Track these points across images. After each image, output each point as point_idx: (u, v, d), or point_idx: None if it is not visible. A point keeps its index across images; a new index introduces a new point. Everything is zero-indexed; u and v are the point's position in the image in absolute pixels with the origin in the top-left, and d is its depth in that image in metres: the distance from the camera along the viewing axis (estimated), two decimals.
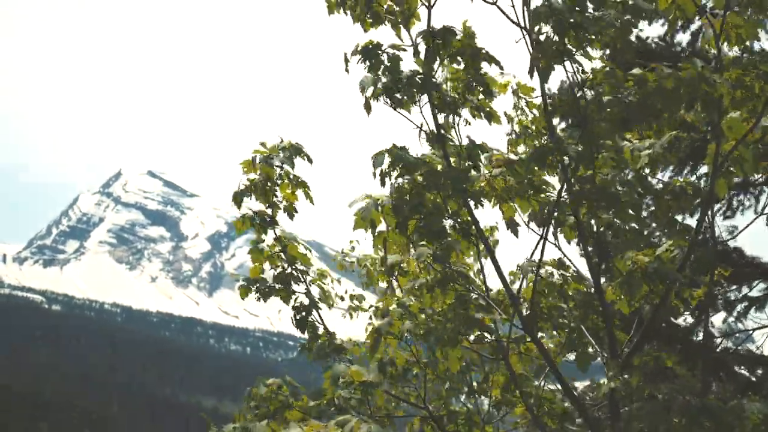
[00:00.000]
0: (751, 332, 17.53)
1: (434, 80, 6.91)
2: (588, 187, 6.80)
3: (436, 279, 7.27)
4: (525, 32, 6.56)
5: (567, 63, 6.50)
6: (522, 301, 7.45)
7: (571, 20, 6.25)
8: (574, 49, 6.40)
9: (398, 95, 6.77)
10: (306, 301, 8.11)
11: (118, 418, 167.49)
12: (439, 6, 6.98)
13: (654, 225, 7.49)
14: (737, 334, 17.78)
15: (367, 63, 6.82)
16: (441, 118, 7.04)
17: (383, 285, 9.48)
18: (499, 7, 6.72)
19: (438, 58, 6.94)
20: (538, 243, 7.10)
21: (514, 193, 7.05)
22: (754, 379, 17.60)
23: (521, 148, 7.55)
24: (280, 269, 8.12)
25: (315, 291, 8.25)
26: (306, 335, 8.04)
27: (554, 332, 7.67)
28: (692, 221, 7.51)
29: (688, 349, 16.56)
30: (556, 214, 6.97)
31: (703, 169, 16.60)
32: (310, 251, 8.31)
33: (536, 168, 6.89)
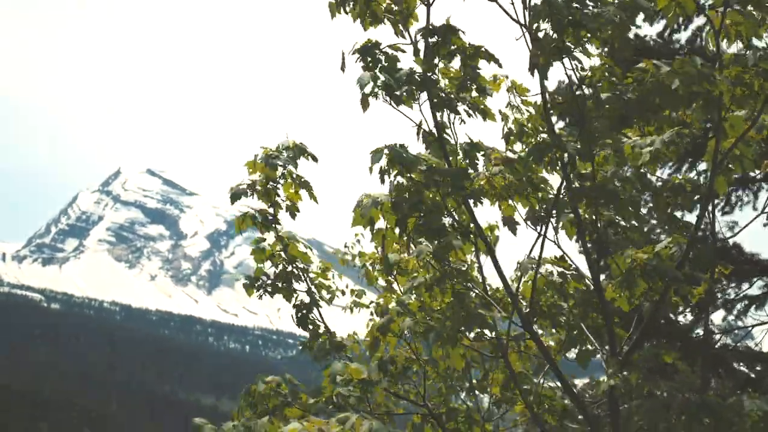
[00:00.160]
0: (750, 329, 17.54)
1: (433, 78, 6.91)
2: (588, 185, 6.80)
3: (435, 277, 7.27)
4: (525, 29, 6.56)
5: (566, 60, 6.51)
6: (521, 298, 7.46)
7: (570, 17, 6.26)
8: (572, 47, 6.40)
9: (397, 93, 6.77)
10: (307, 300, 8.12)
11: (118, 416, 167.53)
12: (439, 5, 6.99)
13: (654, 222, 7.50)
14: (736, 331, 17.80)
15: (365, 62, 6.82)
16: (440, 116, 7.04)
17: (382, 283, 9.49)
18: (499, 4, 6.72)
19: (437, 56, 6.95)
20: (536, 241, 7.11)
21: (513, 191, 7.05)
22: (753, 375, 17.62)
23: (518, 146, 7.55)
24: (281, 268, 8.14)
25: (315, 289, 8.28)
26: (307, 333, 8.05)
27: (553, 330, 7.68)
28: (692, 218, 7.51)
29: (688, 346, 16.57)
30: (554, 211, 6.97)
31: (702, 166, 16.61)
32: (311, 249, 8.32)
33: (535, 165, 6.89)
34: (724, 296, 17.74)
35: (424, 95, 6.91)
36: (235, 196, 7.87)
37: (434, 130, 7.05)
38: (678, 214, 7.33)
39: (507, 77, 7.36)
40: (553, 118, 6.98)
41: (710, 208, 7.36)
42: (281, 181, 7.92)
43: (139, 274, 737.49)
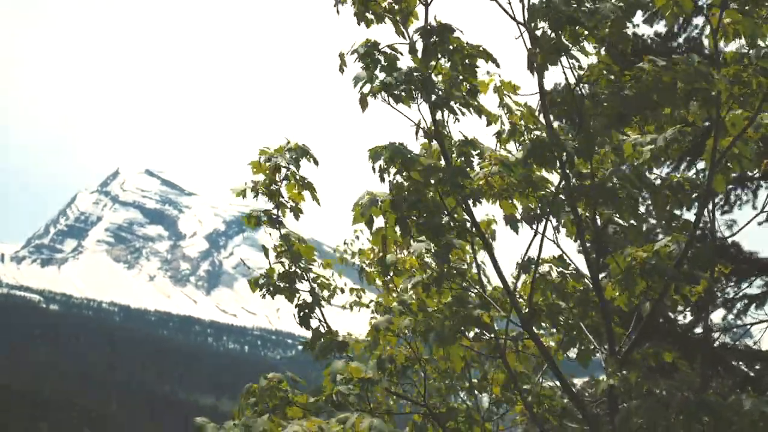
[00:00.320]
0: (749, 327, 17.56)
1: (432, 77, 6.92)
2: (587, 183, 6.80)
3: (432, 277, 7.28)
4: (524, 28, 6.57)
5: (564, 59, 6.51)
6: (519, 297, 7.46)
7: (567, 14, 6.25)
8: (570, 45, 6.41)
9: (396, 92, 6.78)
10: (309, 299, 8.14)
11: (117, 416, 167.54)
12: (439, 5, 7.00)
13: (653, 221, 7.50)
14: (735, 329, 17.82)
15: (364, 62, 6.82)
16: (438, 115, 7.05)
17: (380, 283, 9.51)
18: (498, 3, 6.72)
19: (435, 56, 6.95)
20: (532, 240, 7.10)
21: (512, 190, 7.05)
22: (752, 374, 17.63)
23: (511, 145, 7.54)
24: (284, 268, 8.17)
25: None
26: (309, 332, 8.07)
27: (553, 330, 7.68)
28: (690, 217, 7.51)
29: (687, 345, 16.58)
30: (550, 209, 6.96)
31: (701, 165, 16.62)
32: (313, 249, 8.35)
33: (533, 165, 6.89)
34: (723, 295, 17.76)
35: (422, 94, 6.91)
36: (242, 196, 7.93)
37: (432, 129, 7.05)
38: (677, 212, 7.32)
39: (498, 75, 7.36)
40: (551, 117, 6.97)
41: (709, 206, 7.36)
42: (284, 182, 7.96)
43: (137, 275, 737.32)
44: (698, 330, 17.50)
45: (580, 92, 6.72)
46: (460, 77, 6.98)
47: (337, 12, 7.13)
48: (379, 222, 7.15)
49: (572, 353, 7.54)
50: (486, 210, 8.90)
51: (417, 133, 7.05)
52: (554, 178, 7.11)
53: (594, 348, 7.33)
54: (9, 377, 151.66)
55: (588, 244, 7.12)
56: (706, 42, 17.14)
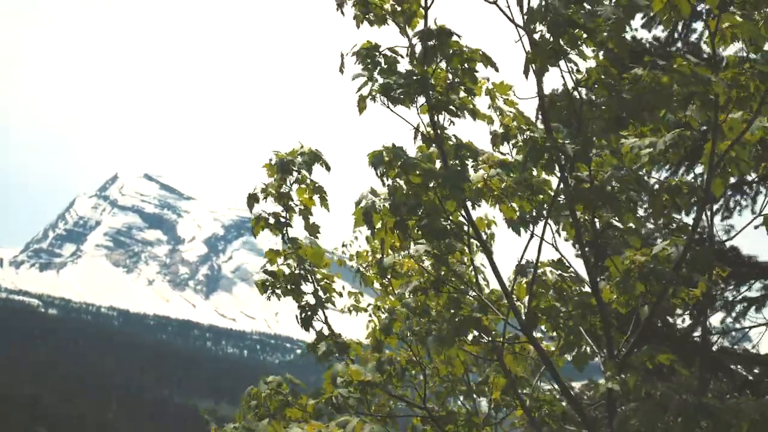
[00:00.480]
0: (747, 330, 17.57)
1: (431, 81, 6.92)
2: (585, 186, 6.81)
3: (430, 281, 7.29)
4: (523, 31, 6.57)
5: (562, 63, 6.52)
6: (516, 299, 7.47)
7: (566, 17, 6.25)
8: (568, 49, 6.41)
9: (395, 95, 6.78)
10: (312, 301, 8.17)
11: (116, 420, 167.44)
12: (439, 7, 7.01)
13: (651, 225, 7.51)
14: (733, 333, 17.82)
15: (364, 63, 6.83)
16: (437, 118, 7.05)
17: (377, 286, 9.51)
18: (498, 6, 6.73)
19: (435, 59, 6.96)
20: (528, 242, 7.09)
21: (511, 193, 7.06)
22: (751, 378, 17.63)
23: (505, 148, 7.54)
24: (290, 271, 8.22)
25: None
26: (308, 334, 8.09)
27: (552, 333, 7.68)
28: (689, 221, 7.52)
29: (686, 348, 16.58)
30: (547, 213, 6.97)
31: (699, 169, 16.64)
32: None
33: (532, 168, 6.89)
34: (722, 298, 17.77)
35: (420, 98, 6.92)
36: (251, 198, 7.94)
37: (432, 133, 7.06)
38: (675, 216, 7.32)
39: (488, 79, 7.37)
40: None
41: (708, 211, 7.37)
42: (295, 186, 8.00)
43: (136, 279, 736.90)
44: (697, 333, 17.50)
45: (578, 96, 6.72)
46: (456, 80, 7.00)
47: (342, 14, 7.13)
48: (379, 223, 7.17)
49: (570, 357, 7.54)
50: (485, 213, 8.91)
51: (416, 136, 7.05)
52: (553, 180, 7.12)
53: (592, 351, 7.33)
54: (8, 381, 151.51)
55: (586, 248, 7.12)
56: (705, 47, 17.18)
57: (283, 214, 8.08)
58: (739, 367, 17.75)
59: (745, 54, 6.64)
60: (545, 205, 7.02)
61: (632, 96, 6.47)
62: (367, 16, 7.11)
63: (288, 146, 8.03)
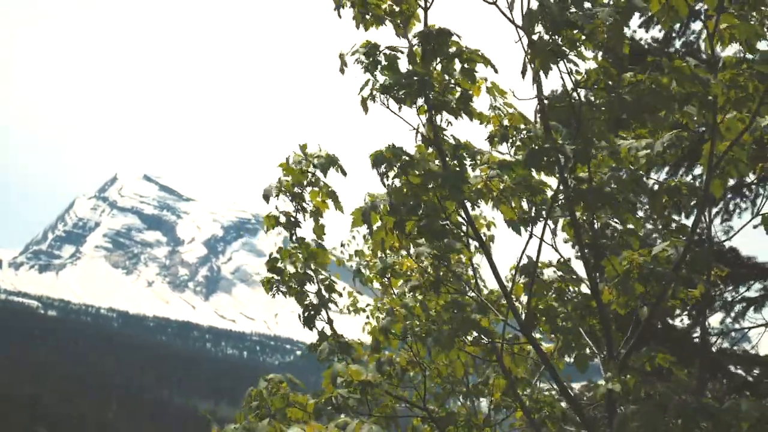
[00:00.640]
0: (746, 331, 17.58)
1: (431, 81, 6.93)
2: (585, 187, 6.81)
3: (429, 281, 7.29)
4: (522, 32, 6.57)
5: (561, 65, 6.52)
6: (515, 300, 7.47)
7: (565, 19, 6.26)
8: (567, 50, 6.41)
9: (396, 95, 6.79)
10: (316, 301, 8.19)
11: (116, 422, 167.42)
12: (437, 8, 7.01)
13: (650, 226, 7.51)
14: (733, 334, 17.83)
15: (364, 63, 6.84)
16: (436, 118, 7.06)
17: (378, 285, 9.53)
18: (498, 7, 6.73)
19: (434, 60, 6.96)
20: (527, 243, 7.10)
21: (510, 194, 7.06)
22: (750, 379, 17.63)
23: (503, 147, 7.55)
24: (295, 270, 8.25)
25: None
26: (308, 336, 8.10)
27: (551, 334, 7.68)
28: (688, 222, 7.52)
29: (685, 349, 16.58)
30: (546, 213, 6.97)
31: (698, 170, 16.65)
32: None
33: (532, 169, 6.90)
34: (722, 299, 17.78)
35: (420, 99, 6.92)
36: (266, 195, 8.00)
37: (431, 133, 7.06)
38: (674, 218, 7.33)
39: (486, 79, 7.37)
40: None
41: (706, 212, 7.37)
42: (308, 188, 8.04)
43: (136, 281, 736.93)
44: (696, 334, 17.51)
45: (577, 97, 6.73)
46: (453, 81, 7.01)
47: (339, 15, 7.14)
48: (378, 223, 7.18)
49: (570, 358, 7.54)
50: (482, 214, 8.92)
51: (416, 137, 7.06)
52: (552, 181, 7.12)
53: (592, 352, 7.33)
54: (7, 382, 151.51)
55: (586, 249, 7.12)
56: (702, 45, 17.18)
57: (294, 213, 8.12)
58: (738, 368, 17.76)
59: (742, 54, 6.64)
60: (545, 206, 7.03)
61: (633, 98, 6.47)
62: (365, 17, 7.11)
63: (293, 146, 8.05)
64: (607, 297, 7.15)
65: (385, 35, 7.12)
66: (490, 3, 6.78)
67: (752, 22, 6.50)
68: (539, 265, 7.28)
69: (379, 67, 6.85)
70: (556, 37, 6.36)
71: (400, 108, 6.86)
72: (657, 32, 18.20)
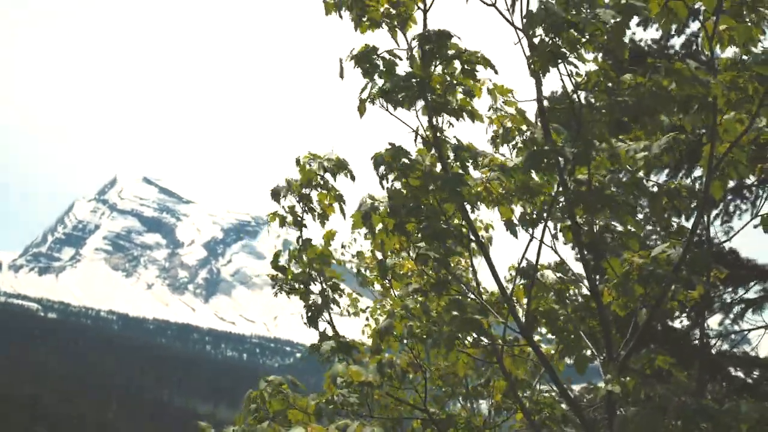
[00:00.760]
0: (746, 333, 17.57)
1: (430, 83, 6.93)
2: (584, 189, 6.81)
3: (431, 283, 7.29)
4: (522, 34, 6.57)
5: (561, 67, 6.52)
6: (515, 301, 7.47)
7: (565, 22, 6.26)
8: (568, 52, 6.41)
9: (395, 98, 6.79)
10: (319, 301, 8.22)
11: (116, 423, 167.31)
12: (436, 9, 7.01)
13: (650, 228, 7.51)
14: (733, 336, 17.83)
15: (363, 67, 6.84)
16: (436, 120, 7.06)
17: (378, 287, 9.54)
18: (497, 8, 6.73)
19: (433, 62, 6.96)
20: (528, 245, 7.10)
21: (510, 196, 7.07)
22: (750, 381, 17.63)
23: (504, 149, 7.55)
24: (300, 270, 8.29)
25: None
26: (308, 338, 8.12)
27: (550, 337, 7.68)
28: (688, 224, 7.51)
29: (685, 351, 16.59)
30: (547, 215, 6.97)
31: (698, 172, 16.65)
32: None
33: (532, 171, 6.89)
34: (721, 300, 17.78)
35: (420, 101, 6.92)
36: (275, 194, 8.06)
37: (430, 135, 7.06)
38: (674, 219, 7.32)
39: (489, 80, 7.37)
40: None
41: (707, 215, 7.37)
42: (316, 190, 8.07)
43: (135, 283, 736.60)
44: (696, 335, 17.51)
45: (577, 99, 6.72)
46: (455, 82, 7.00)
47: (340, 17, 7.14)
48: (379, 225, 7.19)
49: (570, 360, 7.54)
50: (480, 217, 8.93)
51: (416, 139, 7.06)
52: (552, 183, 7.12)
53: (592, 354, 7.33)
54: (8, 383, 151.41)
55: (585, 251, 7.12)
56: (699, 41, 17.18)
57: (301, 214, 8.16)
58: (738, 369, 17.75)
59: (739, 56, 6.64)
60: (545, 207, 7.03)
61: (633, 100, 6.47)
62: (362, 20, 7.11)
63: (292, 148, 8.09)
64: (606, 298, 7.14)
65: (384, 38, 7.12)
66: (489, 5, 6.78)
67: (749, 24, 6.51)
68: (539, 267, 7.28)
69: (377, 70, 6.85)
70: (557, 39, 6.36)
71: (395, 109, 6.87)
72: (655, 31, 18.21)
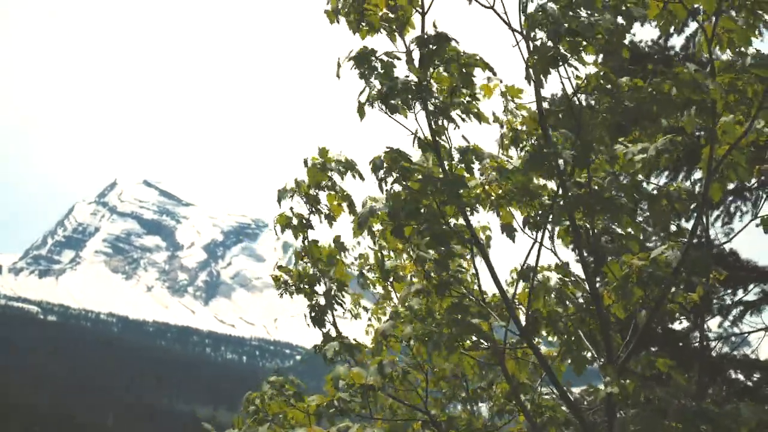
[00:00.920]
0: (746, 335, 17.56)
1: (428, 86, 6.92)
2: (584, 192, 6.81)
3: (432, 285, 7.28)
4: (521, 37, 6.57)
5: (561, 69, 6.52)
6: (517, 304, 7.46)
7: (566, 26, 6.26)
8: (568, 55, 6.41)
9: (393, 101, 6.79)
10: (323, 302, 8.22)
11: (116, 426, 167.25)
12: (435, 10, 7.01)
13: (650, 230, 7.50)
14: (733, 338, 17.81)
15: (361, 69, 6.83)
16: (434, 123, 7.06)
17: (380, 289, 9.53)
18: (495, 11, 6.73)
19: (432, 65, 6.96)
20: (531, 248, 7.10)
21: (509, 199, 7.06)
22: (750, 384, 17.61)
23: (512, 151, 7.55)
24: (305, 269, 8.30)
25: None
26: (307, 340, 8.13)
27: (553, 338, 7.67)
28: (688, 226, 7.51)
29: (684, 353, 16.57)
30: (550, 218, 6.97)
31: (698, 174, 16.64)
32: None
33: (531, 173, 6.90)
34: (720, 302, 17.76)
35: (418, 104, 6.92)
36: (281, 196, 8.06)
37: (429, 139, 7.06)
38: (674, 221, 7.32)
39: (501, 81, 7.36)
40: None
41: (706, 216, 7.37)
42: (325, 191, 8.07)
43: (135, 286, 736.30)
44: (696, 338, 17.49)
45: (578, 102, 6.72)
46: (462, 85, 7.00)
47: (337, 21, 7.14)
48: (379, 226, 7.19)
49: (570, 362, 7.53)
50: (482, 215, 8.92)
51: (414, 142, 7.05)
52: (551, 185, 7.12)
53: (592, 356, 7.32)
54: (7, 387, 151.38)
55: (585, 253, 7.12)
56: (698, 40, 17.16)
57: (308, 215, 8.16)
58: (738, 372, 17.74)
59: (736, 58, 6.64)
60: (546, 209, 7.03)
61: (633, 104, 6.47)
62: (360, 25, 7.10)
63: (292, 149, 8.09)
64: (606, 301, 7.14)
65: (384, 40, 7.11)
66: (487, 8, 6.78)
67: (743, 27, 6.51)
68: (539, 269, 7.27)
69: (374, 73, 6.85)
70: (557, 42, 6.36)
71: (392, 114, 6.87)
72: (654, 29, 18.19)
